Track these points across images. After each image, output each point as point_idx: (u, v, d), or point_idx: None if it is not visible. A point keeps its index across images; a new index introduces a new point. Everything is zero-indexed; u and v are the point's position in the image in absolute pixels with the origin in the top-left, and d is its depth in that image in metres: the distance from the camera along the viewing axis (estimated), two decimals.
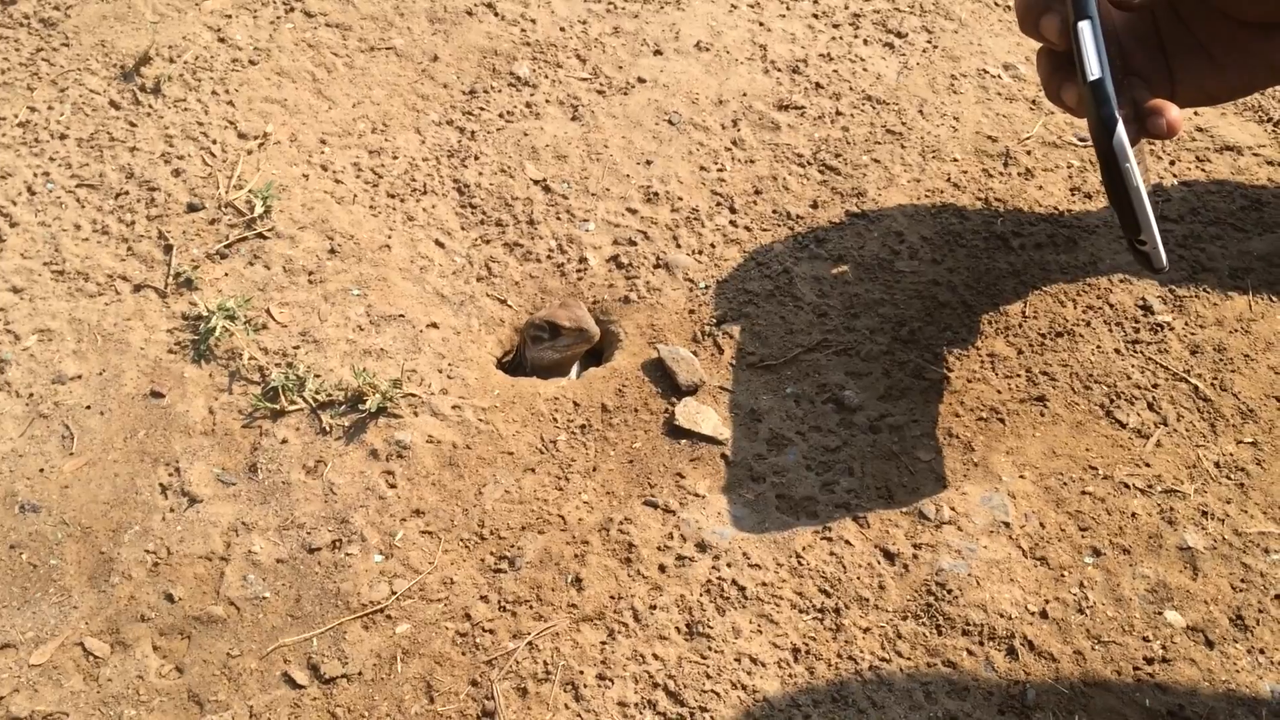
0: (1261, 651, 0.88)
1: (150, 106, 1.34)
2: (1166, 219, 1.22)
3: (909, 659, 0.88)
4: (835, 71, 1.41)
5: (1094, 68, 0.84)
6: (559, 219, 1.23)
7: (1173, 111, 0.87)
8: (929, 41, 1.45)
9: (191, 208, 1.22)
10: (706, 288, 1.16)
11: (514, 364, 1.16)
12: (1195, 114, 1.33)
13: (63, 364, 1.07)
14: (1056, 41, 0.89)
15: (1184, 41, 0.96)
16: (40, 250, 1.17)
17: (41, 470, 0.99)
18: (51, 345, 1.09)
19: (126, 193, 1.23)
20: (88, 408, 1.04)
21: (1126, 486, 1.00)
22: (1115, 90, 0.84)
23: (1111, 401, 1.06)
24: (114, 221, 1.21)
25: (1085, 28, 0.85)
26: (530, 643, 0.89)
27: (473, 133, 1.33)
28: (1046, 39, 0.90)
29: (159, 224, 1.20)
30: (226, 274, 1.16)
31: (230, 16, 1.47)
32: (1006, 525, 0.97)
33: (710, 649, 0.89)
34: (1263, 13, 0.91)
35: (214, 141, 1.30)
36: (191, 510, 0.97)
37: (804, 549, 0.95)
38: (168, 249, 1.18)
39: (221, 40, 1.43)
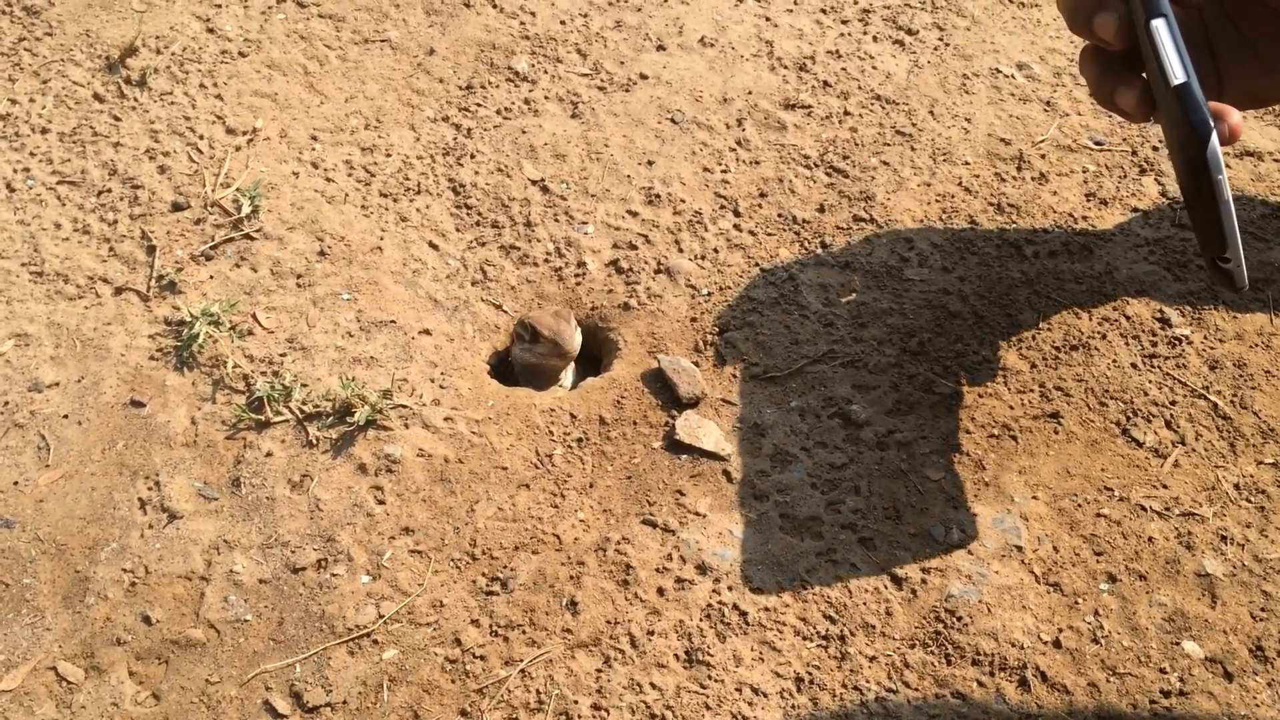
0: None
1: (135, 100, 1.30)
2: (1183, 227, 1.18)
3: (917, 690, 0.85)
4: (844, 69, 1.37)
5: (1178, 71, 0.78)
6: (557, 221, 1.19)
7: (1234, 116, 0.83)
8: (940, 39, 1.41)
9: (176, 206, 1.18)
10: (709, 295, 1.13)
11: (506, 360, 1.12)
12: None
13: (40, 370, 1.04)
14: (1112, 41, 0.83)
15: (1232, 41, 0.91)
16: (18, 250, 1.13)
17: (16, 483, 0.96)
18: (29, 351, 1.05)
19: (109, 190, 1.19)
20: (65, 417, 1.00)
21: (1143, 509, 0.96)
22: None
23: (1128, 419, 1.02)
24: (95, 220, 1.17)
25: (1161, 26, 0.79)
26: (523, 670, 0.85)
27: (469, 130, 1.28)
28: (1101, 39, 0.84)
29: (142, 223, 1.16)
30: (211, 276, 1.12)
31: (220, 6, 1.42)
32: (1019, 549, 0.93)
33: (710, 678, 0.85)
34: None
35: (201, 137, 1.25)
36: (171, 527, 0.93)
37: (808, 572, 0.91)
38: (151, 250, 1.14)
39: (210, 31, 1.39)
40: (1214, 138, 0.76)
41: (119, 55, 1.33)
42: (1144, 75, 0.83)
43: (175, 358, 1.05)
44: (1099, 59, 0.88)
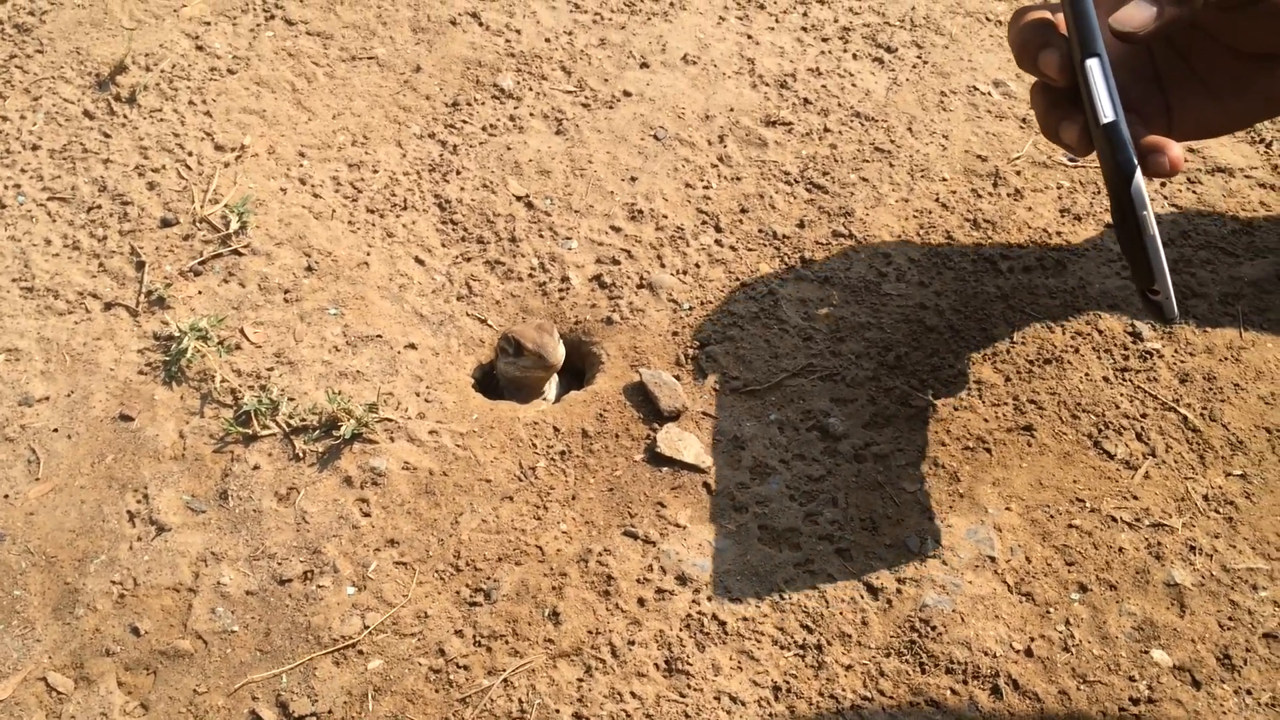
0: (1249, 692, 0.87)
1: (125, 117, 1.31)
2: None
3: (891, 698, 0.87)
4: (824, 87, 1.39)
5: (1107, 110, 0.81)
6: (541, 236, 1.21)
7: (1174, 149, 0.85)
8: (919, 57, 1.43)
9: (165, 222, 1.20)
10: (690, 309, 1.15)
11: (490, 374, 1.14)
12: None
13: (30, 385, 1.05)
14: (1056, 78, 0.87)
15: (1181, 74, 0.94)
16: (9, 266, 1.15)
17: (6, 496, 0.97)
18: (19, 365, 1.06)
19: (99, 206, 1.21)
20: (55, 431, 1.02)
21: (1114, 520, 0.98)
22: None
23: (1100, 431, 1.04)
24: (85, 236, 1.18)
25: (1094, 65, 0.82)
26: (505, 680, 0.87)
27: (455, 146, 1.30)
28: (1045, 75, 0.88)
29: (131, 239, 1.18)
30: (200, 292, 1.13)
31: (209, 24, 1.44)
32: (992, 559, 0.95)
33: (689, 686, 0.87)
34: (1263, 44, 0.90)
35: (190, 154, 1.27)
36: (160, 539, 0.94)
37: (786, 583, 0.93)
38: (140, 265, 1.15)
39: (200, 48, 1.41)
40: (1138, 175, 0.79)
41: (109, 73, 1.35)
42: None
43: (164, 372, 1.06)
44: (1045, 94, 0.92)
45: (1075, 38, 0.83)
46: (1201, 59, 0.93)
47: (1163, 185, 1.27)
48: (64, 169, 1.25)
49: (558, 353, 1.07)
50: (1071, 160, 1.29)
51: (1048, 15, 0.90)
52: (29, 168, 1.25)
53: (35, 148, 1.27)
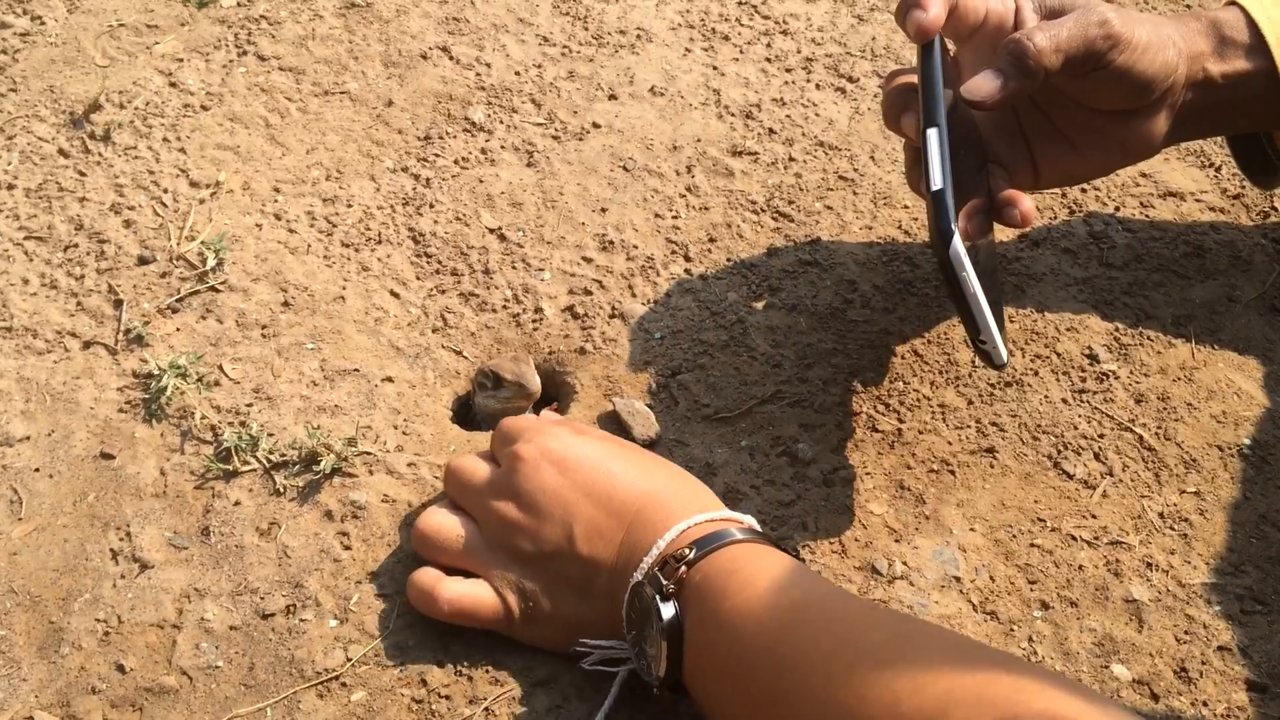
0: (1205, 704, 0.90)
1: (100, 155, 1.33)
2: (1112, 265, 1.25)
3: None
4: (788, 116, 1.42)
5: (936, 178, 0.91)
6: (514, 268, 1.24)
7: (1025, 203, 0.98)
8: (880, 86, 1.47)
9: (142, 260, 1.21)
10: (661, 338, 1.17)
11: (468, 406, 1.16)
12: None
13: (10, 425, 1.06)
14: (914, 139, 0.99)
15: (1044, 129, 1.08)
16: None
17: None
18: None
19: (76, 245, 1.22)
20: (36, 470, 1.03)
21: (1074, 538, 1.01)
22: (961, 192, 0.89)
23: (1059, 452, 1.08)
24: (63, 275, 1.20)
25: (932, 135, 0.93)
26: (487, 708, 0.89)
27: (428, 180, 1.33)
28: (906, 136, 0.99)
29: (109, 277, 1.19)
30: (178, 329, 1.15)
31: (182, 60, 1.46)
32: (957, 579, 0.98)
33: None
34: (1116, 101, 1.02)
35: (165, 190, 1.29)
36: (143, 576, 0.96)
37: None
38: (118, 304, 1.17)
39: (173, 85, 1.42)
40: (956, 240, 0.89)
41: (83, 111, 1.37)
42: None
43: (144, 410, 1.08)
44: (910, 151, 1.04)
45: (920, 108, 0.93)
46: (1060, 114, 1.07)
47: (1117, 210, 1.31)
48: (40, 208, 1.26)
49: (535, 381, 1.09)
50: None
51: (914, 80, 1.00)
52: (4, 207, 1.26)
53: (11, 187, 1.28)
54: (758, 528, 0.87)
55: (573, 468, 0.89)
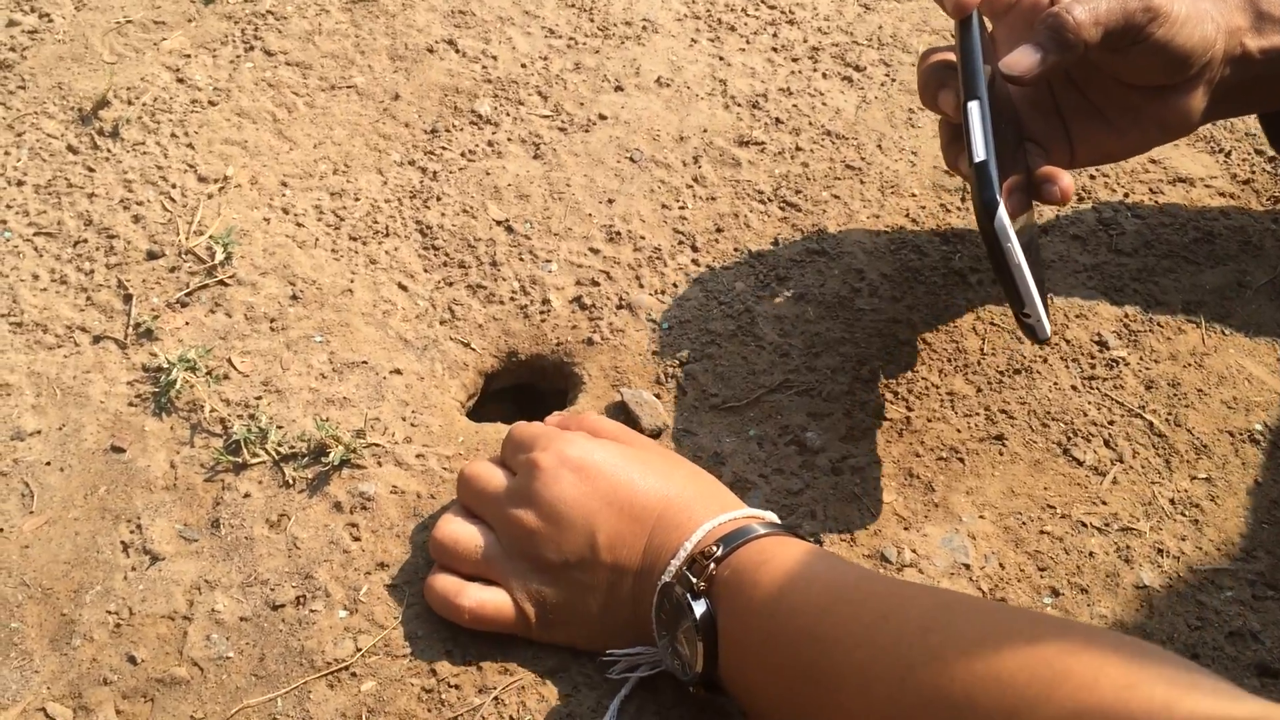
0: None
1: (109, 150, 1.33)
2: (1121, 252, 1.24)
3: None
4: (795, 106, 1.42)
5: (979, 150, 0.91)
6: (522, 260, 1.24)
7: (1065, 179, 0.97)
8: (887, 75, 1.46)
9: (151, 255, 1.22)
10: (669, 328, 1.17)
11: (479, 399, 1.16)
12: None
13: (21, 419, 1.07)
14: (952, 115, 0.98)
15: (1080, 107, 1.07)
16: None
17: (1, 530, 0.99)
18: (10, 400, 1.08)
19: (85, 240, 1.23)
20: (47, 464, 1.04)
21: (1084, 525, 1.01)
22: (1001, 169, 0.88)
23: (1069, 439, 1.07)
24: (73, 270, 1.20)
25: (974, 108, 0.92)
26: (496, 698, 0.89)
27: (434, 173, 1.33)
28: (943, 113, 0.99)
29: (118, 272, 1.20)
30: (187, 323, 1.15)
31: (189, 56, 1.46)
32: (967, 566, 0.98)
33: None
34: (1154, 77, 1.00)
35: (173, 186, 1.29)
36: (153, 568, 0.96)
37: None
38: (127, 298, 1.17)
39: (180, 81, 1.43)
40: (1000, 212, 0.88)
41: (91, 107, 1.37)
42: None
43: (154, 403, 1.08)
44: (948, 129, 1.04)
45: (961, 81, 0.92)
46: (1097, 91, 1.05)
47: (1126, 197, 1.31)
48: (49, 204, 1.27)
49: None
50: None
51: (950, 57, 1.00)
52: (14, 203, 1.27)
53: (20, 183, 1.29)
54: (779, 522, 0.88)
55: (593, 475, 0.88)
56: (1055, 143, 1.04)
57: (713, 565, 0.80)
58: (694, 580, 0.80)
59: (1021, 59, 0.94)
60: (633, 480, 0.88)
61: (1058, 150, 1.04)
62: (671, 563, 0.83)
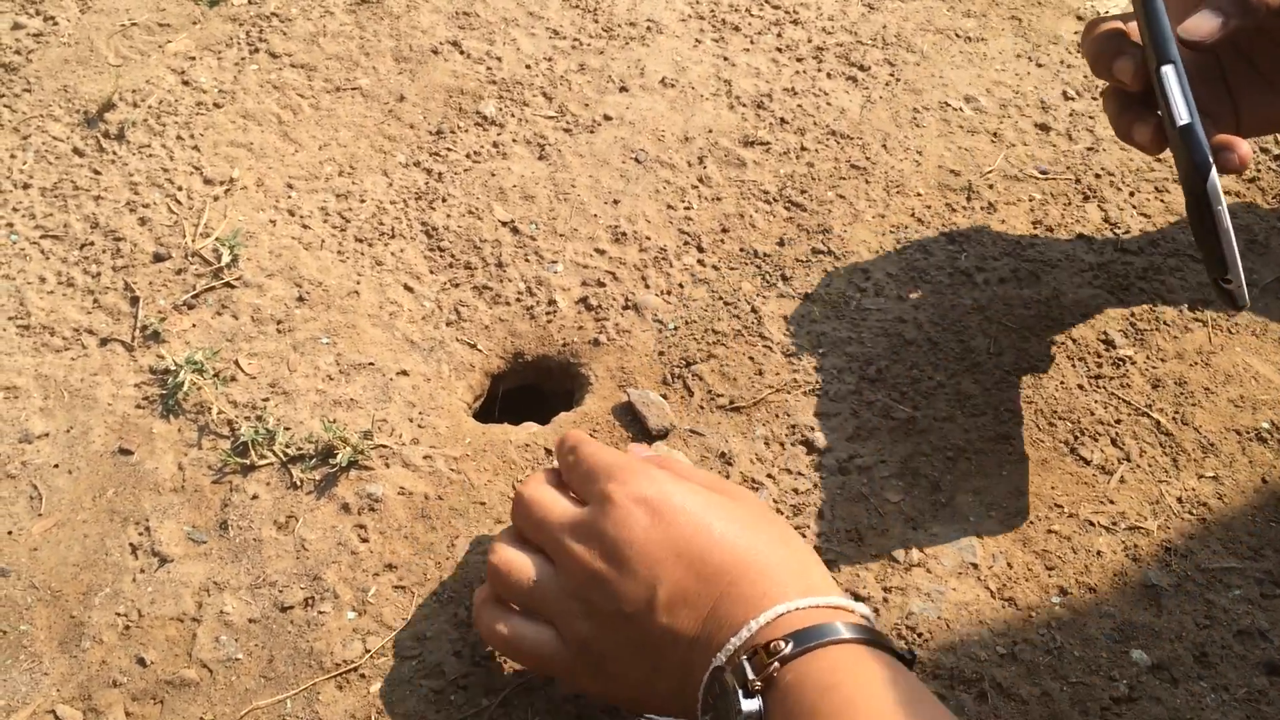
0: (1225, 689, 0.90)
1: (114, 153, 1.33)
2: (1127, 250, 1.24)
3: None
4: (800, 106, 1.42)
5: (1183, 113, 0.90)
6: (527, 261, 1.24)
7: (1243, 146, 0.92)
8: (891, 74, 1.46)
9: (158, 257, 1.22)
10: (675, 329, 1.17)
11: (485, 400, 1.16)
12: None
13: (29, 422, 1.07)
14: (1129, 83, 0.96)
15: (1247, 75, 1.04)
16: (5, 304, 1.17)
17: (10, 533, 0.99)
18: (18, 403, 1.08)
19: (92, 243, 1.23)
20: (55, 466, 1.04)
21: (1091, 524, 1.01)
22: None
23: (1076, 438, 1.07)
24: (79, 273, 1.20)
25: (1170, 72, 0.91)
26: (504, 698, 0.89)
27: (440, 174, 1.33)
28: (1120, 81, 0.96)
29: (125, 275, 1.20)
30: (194, 325, 1.16)
31: (194, 59, 1.46)
32: (974, 566, 0.98)
33: None
34: None
35: (179, 188, 1.29)
36: (162, 570, 0.97)
37: None
38: (134, 301, 1.17)
39: (186, 83, 1.43)
40: (1213, 173, 0.87)
41: (97, 110, 1.37)
42: (1158, 113, 0.94)
43: (161, 405, 1.09)
44: (1118, 98, 1.01)
45: (1151, 46, 0.90)
46: (1266, 60, 1.03)
47: (1132, 195, 1.31)
48: (56, 206, 1.27)
49: None
50: (1043, 173, 1.33)
51: (1120, 25, 0.99)
52: (21, 206, 1.27)
53: (26, 186, 1.29)
54: (869, 619, 0.76)
55: (667, 519, 0.78)
56: (1221, 112, 1.01)
57: (776, 664, 0.69)
58: (751, 676, 0.69)
59: (1202, 23, 0.91)
60: (710, 531, 0.78)
61: (1224, 121, 1.02)
62: (731, 641, 0.72)
